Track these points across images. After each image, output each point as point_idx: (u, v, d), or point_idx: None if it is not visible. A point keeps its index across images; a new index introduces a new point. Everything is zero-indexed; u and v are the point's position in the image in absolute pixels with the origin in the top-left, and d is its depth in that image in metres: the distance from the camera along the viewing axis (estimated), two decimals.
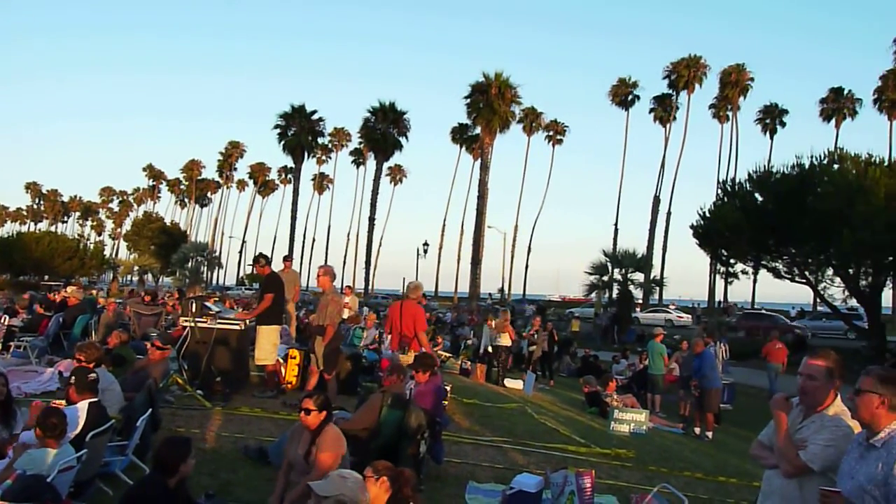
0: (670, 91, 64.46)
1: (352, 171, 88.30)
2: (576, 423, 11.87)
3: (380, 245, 76.29)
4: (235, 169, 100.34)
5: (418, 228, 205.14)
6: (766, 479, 3.84)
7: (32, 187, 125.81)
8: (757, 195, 28.09)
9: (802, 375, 3.66)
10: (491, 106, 50.31)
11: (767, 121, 66.51)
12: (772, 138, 66.58)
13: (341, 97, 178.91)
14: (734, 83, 62.57)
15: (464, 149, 73.73)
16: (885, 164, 25.69)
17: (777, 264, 29.01)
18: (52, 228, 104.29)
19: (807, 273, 28.20)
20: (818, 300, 34.92)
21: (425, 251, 53.64)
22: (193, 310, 9.85)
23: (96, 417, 5.51)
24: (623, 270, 36.96)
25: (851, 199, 23.07)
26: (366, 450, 5.97)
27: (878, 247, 23.09)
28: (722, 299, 59.00)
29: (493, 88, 50.28)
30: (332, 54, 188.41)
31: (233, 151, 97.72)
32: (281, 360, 10.51)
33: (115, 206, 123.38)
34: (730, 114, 64.98)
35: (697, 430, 13.32)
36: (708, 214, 30.50)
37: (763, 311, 48.41)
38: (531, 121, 72.70)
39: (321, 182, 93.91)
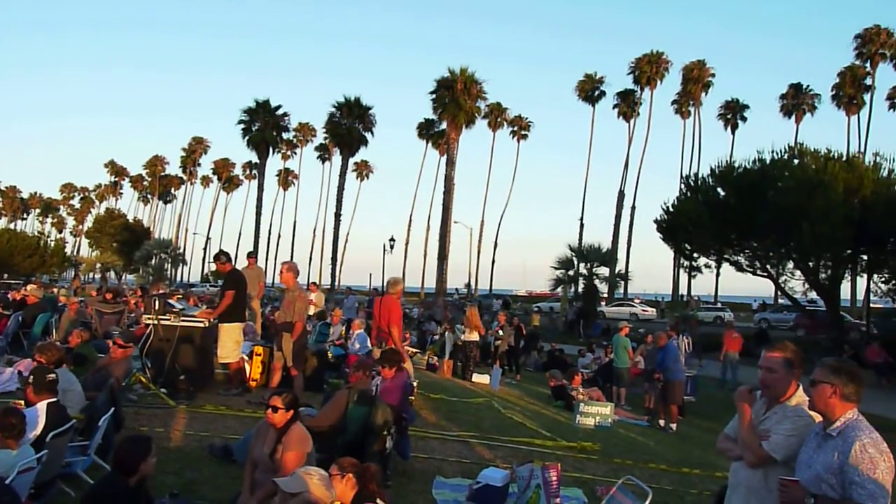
0: (634, 87, 65.11)
1: (317, 167, 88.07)
2: (542, 417, 11.95)
3: (346, 241, 75.97)
4: (199, 165, 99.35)
5: (385, 224, 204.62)
6: (733, 471, 3.89)
7: None
8: (719, 190, 28.45)
9: (762, 368, 3.72)
10: (457, 101, 50.29)
11: (729, 116, 67.44)
12: (733, 133, 67.60)
13: (306, 92, 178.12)
14: (696, 79, 63.40)
15: (430, 144, 73.73)
16: (844, 159, 26.21)
17: (739, 258, 29.42)
18: (12, 226, 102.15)
19: (768, 266, 28.65)
20: (779, 293, 35.47)
21: (392, 247, 53.35)
22: (156, 307, 9.72)
23: (56, 418, 5.42)
24: (588, 265, 37.23)
25: (811, 194, 23.48)
26: (332, 446, 5.95)
27: (836, 240, 23.54)
28: (686, 293, 59.71)
29: (458, 84, 50.27)
30: (297, 50, 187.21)
31: (196, 147, 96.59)
32: (246, 358, 10.44)
33: (76, 202, 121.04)
34: (692, 109, 65.78)
35: (662, 422, 13.49)
36: (671, 209, 30.82)
37: (718, 305, 49.34)
38: (496, 116, 72.78)
39: (286, 178, 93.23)
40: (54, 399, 5.65)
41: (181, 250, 76.22)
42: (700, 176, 30.81)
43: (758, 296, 55.06)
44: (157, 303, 9.80)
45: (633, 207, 64.46)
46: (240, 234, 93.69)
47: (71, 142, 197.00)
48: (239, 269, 10.79)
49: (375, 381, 7.69)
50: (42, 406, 5.49)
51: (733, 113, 67.33)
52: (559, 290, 39.44)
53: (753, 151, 30.64)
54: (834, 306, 28.68)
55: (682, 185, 34.02)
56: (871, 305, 34.94)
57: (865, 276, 29.54)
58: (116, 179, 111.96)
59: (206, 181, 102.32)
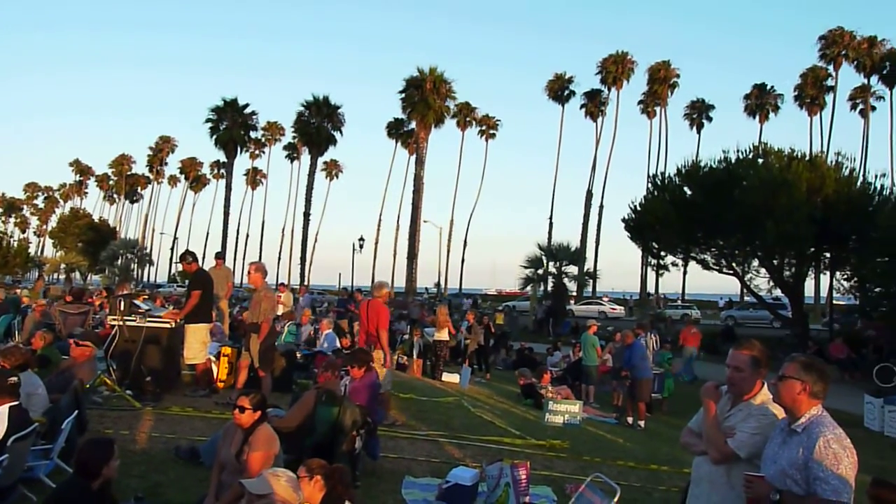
0: (601, 87, 65.62)
1: (286, 166, 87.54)
2: (511, 416, 11.99)
3: (315, 241, 75.49)
4: (166, 164, 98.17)
5: (354, 223, 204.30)
6: (696, 466, 3.92)
7: None
8: (686, 189, 28.78)
9: (729, 367, 3.74)
10: (426, 101, 50.37)
11: (695, 116, 68.26)
12: (699, 133, 68.41)
13: (274, 91, 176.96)
14: (662, 79, 64.07)
15: (399, 144, 73.63)
16: (807, 158, 26.65)
17: (705, 256, 29.80)
18: None
19: (734, 264, 29.05)
20: (745, 291, 35.97)
21: (361, 246, 53.30)
22: (121, 308, 9.59)
23: (18, 421, 5.33)
24: (557, 264, 37.41)
25: (775, 193, 23.86)
26: (300, 447, 5.93)
27: (800, 238, 23.96)
28: (653, 291, 60.26)
29: (427, 83, 50.36)
30: (265, 49, 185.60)
31: (163, 146, 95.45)
32: (213, 359, 10.35)
33: (40, 202, 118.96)
34: (658, 109, 66.44)
35: (630, 419, 13.59)
36: (639, 208, 31.11)
37: (679, 303, 49.96)
38: (465, 115, 72.87)
39: (254, 177, 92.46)
40: (16, 402, 5.55)
41: (148, 250, 75.41)
42: (667, 175, 31.17)
43: (724, 293, 55.81)
44: (122, 304, 9.67)
45: (602, 206, 64.99)
46: (208, 233, 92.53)
47: (35, 141, 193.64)
48: (205, 270, 10.69)
49: (344, 382, 7.67)
50: (3, 410, 5.39)
51: (699, 113, 68.15)
52: (529, 288, 39.60)
53: (719, 151, 31.13)
54: (798, 303, 29.14)
55: (650, 185, 34.37)
56: (834, 302, 35.56)
57: (828, 273, 30.07)
58: (81, 179, 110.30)
59: (173, 180, 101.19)
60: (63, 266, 74.94)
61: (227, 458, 4.98)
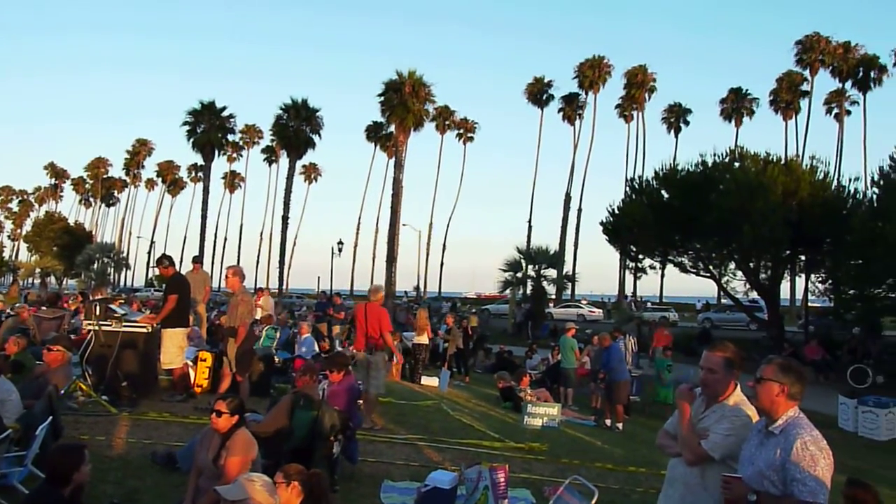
0: (578, 91, 65.96)
1: (264, 169, 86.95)
2: (490, 419, 12.01)
3: (294, 244, 75.33)
4: (143, 167, 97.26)
5: (333, 227, 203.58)
6: (671, 467, 3.95)
7: None
8: (663, 192, 29.00)
9: (703, 368, 3.77)
10: (405, 104, 50.24)
11: (672, 120, 68.74)
12: (676, 136, 68.90)
13: (252, 94, 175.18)
14: (639, 84, 64.51)
15: (378, 147, 73.56)
16: (782, 162, 26.97)
17: (683, 259, 30.04)
18: None
19: (711, 267, 29.30)
20: (722, 293, 36.28)
21: (340, 250, 53.25)
22: (97, 313, 9.50)
23: None
24: (536, 267, 37.46)
25: (751, 196, 24.10)
26: (279, 452, 5.89)
27: (775, 241, 24.23)
28: (631, 294, 60.60)
29: (406, 86, 50.23)
30: (243, 52, 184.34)
31: (140, 149, 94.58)
32: (190, 363, 10.28)
33: (14, 205, 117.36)
34: (635, 113, 66.88)
35: (608, 421, 13.65)
36: (617, 211, 31.30)
37: (648, 304, 50.36)
38: (445, 119, 72.95)
39: (232, 180, 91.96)
40: None
41: (124, 254, 74.57)
42: (644, 178, 31.41)
43: (701, 296, 56.20)
44: (97, 308, 9.59)
45: (580, 210, 65.27)
46: (185, 237, 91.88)
47: (8, 144, 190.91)
48: (182, 274, 10.62)
49: (322, 386, 7.65)
50: None
51: (676, 116, 68.66)
52: (508, 292, 39.61)
53: (696, 154, 31.37)
54: (774, 306, 29.43)
55: (627, 188, 34.60)
56: (809, 304, 35.91)
57: (803, 276, 30.40)
58: (56, 182, 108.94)
59: (150, 184, 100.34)
60: (38, 270, 73.99)
61: (205, 463, 4.94)
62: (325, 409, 6.39)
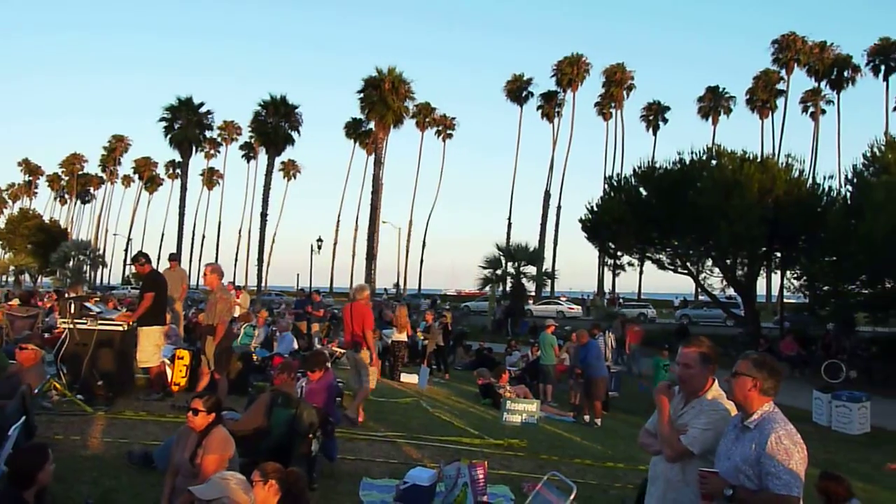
0: (557, 89, 66.19)
1: (242, 166, 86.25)
2: (470, 415, 12.02)
3: (273, 241, 75.03)
4: (120, 164, 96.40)
5: (312, 224, 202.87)
6: (653, 464, 3.98)
7: None
8: (641, 190, 29.24)
9: (679, 364, 3.81)
10: (384, 101, 50.26)
11: (651, 118, 69.29)
12: (655, 134, 69.50)
13: (231, 91, 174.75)
14: (618, 82, 64.92)
15: (357, 144, 73.41)
16: (758, 160, 27.23)
17: (661, 256, 30.28)
18: None
19: (688, 264, 29.56)
20: (699, 290, 36.59)
21: (319, 247, 53.00)
22: (72, 311, 9.40)
23: None
24: (516, 264, 37.53)
25: (728, 194, 24.35)
26: (256, 450, 5.86)
27: (752, 238, 24.47)
28: (610, 291, 60.96)
29: (386, 83, 50.25)
30: (222, 48, 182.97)
31: (117, 145, 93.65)
32: (167, 361, 10.20)
33: None
34: (614, 111, 67.27)
35: (587, 417, 13.72)
36: (595, 208, 31.50)
37: (621, 301, 50.75)
38: (425, 116, 72.94)
39: (210, 177, 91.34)
40: None
41: (101, 252, 73.92)
42: (623, 176, 31.67)
43: (679, 293, 56.69)
44: (72, 306, 9.48)
45: (559, 207, 65.62)
46: (162, 234, 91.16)
47: None
48: (159, 271, 10.54)
49: (301, 383, 7.62)
50: None
51: (655, 114, 69.19)
52: (487, 289, 39.67)
53: (674, 152, 31.65)
54: (750, 302, 29.72)
55: (606, 186, 34.77)
56: (785, 301, 36.32)
57: (779, 272, 30.74)
58: (31, 178, 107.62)
59: (126, 180, 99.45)
60: (12, 268, 73.09)
61: (181, 462, 4.91)
62: (303, 407, 6.36)
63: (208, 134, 64.84)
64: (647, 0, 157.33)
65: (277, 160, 62.00)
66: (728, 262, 27.78)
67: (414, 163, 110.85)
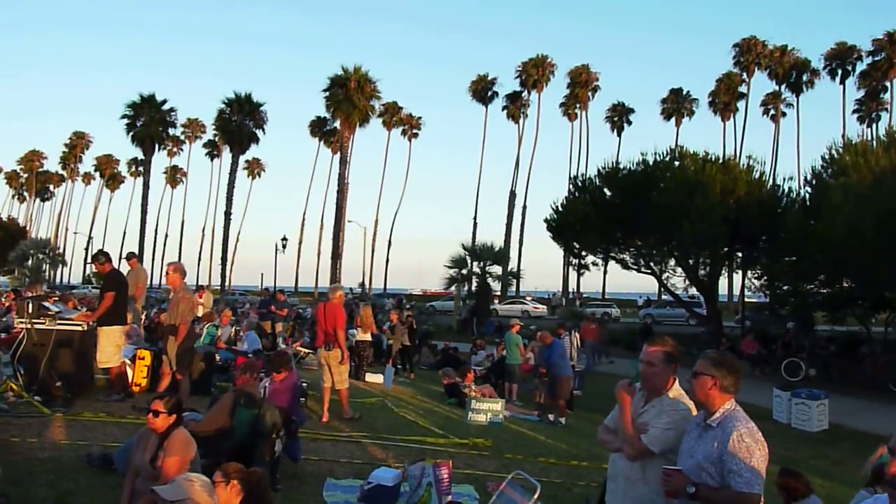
0: (522, 89, 66.49)
1: (206, 164, 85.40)
2: (435, 415, 12.02)
3: (237, 240, 74.25)
4: (81, 161, 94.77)
5: (277, 223, 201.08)
6: (612, 462, 3.99)
7: None
8: (606, 190, 29.45)
9: (643, 363, 3.82)
10: (350, 99, 50.05)
11: (616, 119, 69.93)
12: (619, 135, 70.16)
13: (195, 89, 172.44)
14: (583, 83, 65.42)
15: (322, 142, 73.08)
16: (720, 161, 27.62)
17: (625, 256, 30.55)
18: None
19: (651, 264, 29.85)
20: (662, 289, 37.02)
21: (284, 246, 52.56)
22: (30, 310, 9.21)
23: None
24: (481, 264, 37.63)
25: (691, 194, 24.63)
26: (219, 451, 5.80)
27: (714, 238, 24.79)
28: (574, 290, 61.42)
29: (352, 82, 50.06)
30: (186, 46, 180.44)
31: (78, 142, 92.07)
32: (128, 362, 10.05)
33: None
34: (579, 111, 67.76)
35: (552, 416, 13.80)
36: (560, 209, 31.65)
37: (577, 301, 51.27)
38: (392, 115, 72.80)
39: (174, 175, 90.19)
40: None
41: (61, 250, 72.57)
42: (587, 177, 31.84)
43: (643, 292, 57.33)
44: (30, 305, 9.29)
45: (525, 207, 65.96)
46: (124, 233, 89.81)
47: None
48: (119, 270, 10.38)
49: (264, 383, 7.56)
50: None
51: (620, 116, 69.88)
52: (453, 288, 39.72)
53: (638, 153, 31.93)
54: (712, 301, 30.12)
55: (571, 186, 34.96)
56: (746, 300, 36.87)
57: (740, 272, 31.19)
58: None
59: (87, 178, 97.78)
60: None
61: (142, 464, 4.83)
62: (266, 408, 6.31)
63: (172, 131, 64.08)
64: (612, 2, 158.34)
65: (242, 158, 61.58)
66: (690, 261, 28.11)
67: (380, 162, 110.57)
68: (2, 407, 8.08)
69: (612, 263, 32.68)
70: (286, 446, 6.68)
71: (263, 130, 56.30)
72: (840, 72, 58.59)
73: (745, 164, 27.89)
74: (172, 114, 58.81)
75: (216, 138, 69.48)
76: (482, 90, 68.30)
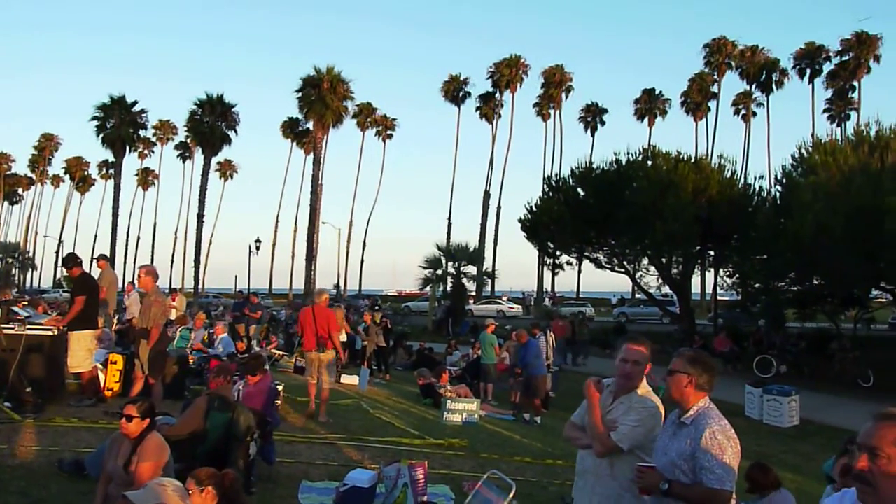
0: (494, 90, 66.63)
1: (178, 166, 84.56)
2: (410, 416, 12.02)
3: (210, 243, 73.62)
4: (50, 164, 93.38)
5: (250, 225, 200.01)
6: (580, 459, 4.04)
7: None
8: (579, 190, 29.65)
9: (629, 362, 3.84)
10: (323, 100, 49.83)
11: (589, 119, 70.26)
12: (593, 135, 70.54)
13: (166, 90, 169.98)
14: (557, 83, 65.67)
15: (295, 144, 72.72)
16: (692, 161, 27.91)
17: (598, 255, 30.77)
18: None
19: (625, 263, 30.10)
20: (636, 288, 37.29)
21: (258, 248, 52.18)
22: None
23: None
24: (456, 264, 37.68)
25: (663, 194, 24.87)
26: (193, 455, 5.76)
27: (686, 237, 25.07)
28: (549, 290, 61.64)
29: (325, 83, 49.84)
30: (157, 47, 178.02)
31: (46, 144, 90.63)
32: (100, 366, 9.94)
33: None
34: (553, 112, 68.05)
35: (527, 415, 13.86)
36: (534, 209, 31.79)
37: (547, 300, 51.66)
38: (366, 116, 72.60)
39: (145, 177, 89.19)
40: None
41: (30, 254, 71.78)
42: (561, 177, 32.01)
43: (617, 291, 57.70)
44: None
45: (499, 207, 66.01)
46: (95, 236, 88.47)
47: None
48: (90, 274, 10.26)
49: (238, 386, 7.53)
50: None
51: (593, 116, 70.23)
52: (428, 289, 39.73)
53: (611, 153, 32.18)
54: (685, 300, 30.40)
55: (545, 186, 35.11)
56: (718, 298, 37.26)
57: (713, 270, 31.55)
58: None
59: (57, 180, 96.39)
60: None
61: (115, 470, 4.79)
62: (240, 411, 6.28)
63: (142, 133, 63.24)
64: (585, 2, 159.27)
65: (214, 160, 60.87)
66: (663, 260, 28.38)
67: (354, 163, 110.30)
68: None
69: (586, 263, 32.98)
70: (261, 449, 6.66)
71: (236, 132, 55.85)
72: (809, 71, 59.31)
73: (716, 163, 28.26)
74: (143, 115, 58.17)
75: (188, 140, 68.77)
76: (454, 90, 68.29)
